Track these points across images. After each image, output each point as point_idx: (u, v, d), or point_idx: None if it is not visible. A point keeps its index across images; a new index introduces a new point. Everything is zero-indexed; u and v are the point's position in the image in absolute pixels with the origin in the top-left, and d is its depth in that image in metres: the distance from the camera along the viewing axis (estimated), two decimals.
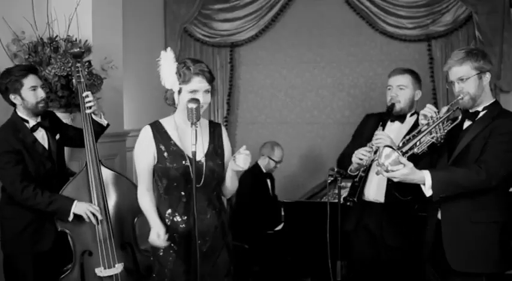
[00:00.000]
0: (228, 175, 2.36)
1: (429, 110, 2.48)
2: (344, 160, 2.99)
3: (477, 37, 4.69)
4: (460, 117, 2.50)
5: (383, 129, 2.83)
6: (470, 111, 2.48)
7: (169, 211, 2.33)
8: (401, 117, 2.91)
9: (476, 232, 2.37)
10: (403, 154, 2.37)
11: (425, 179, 2.30)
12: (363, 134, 2.99)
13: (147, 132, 2.33)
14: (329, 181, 3.59)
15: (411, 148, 2.45)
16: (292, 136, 5.56)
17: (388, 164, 2.27)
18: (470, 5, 4.72)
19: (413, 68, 4.99)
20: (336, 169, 2.92)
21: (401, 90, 2.89)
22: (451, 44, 4.87)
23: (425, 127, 2.46)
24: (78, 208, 2.77)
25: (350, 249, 3.01)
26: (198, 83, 2.26)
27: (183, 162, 2.27)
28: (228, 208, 4.24)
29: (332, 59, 5.38)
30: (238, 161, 2.20)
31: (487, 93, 2.46)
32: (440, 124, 2.46)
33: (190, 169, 2.22)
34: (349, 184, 4.07)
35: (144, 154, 2.33)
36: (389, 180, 2.64)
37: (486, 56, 2.45)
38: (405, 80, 2.90)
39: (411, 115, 2.94)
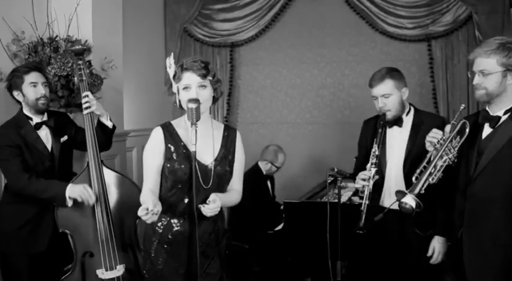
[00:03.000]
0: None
1: (434, 134, 2.35)
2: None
3: (477, 37, 4.68)
4: (467, 130, 2.31)
5: (383, 139, 2.75)
6: (492, 114, 2.30)
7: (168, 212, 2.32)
8: (398, 121, 2.83)
9: (498, 252, 2.22)
10: (419, 195, 2.28)
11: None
12: (366, 144, 2.93)
13: (157, 133, 2.31)
14: (329, 181, 3.59)
15: (425, 181, 2.31)
16: (292, 136, 5.56)
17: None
18: (470, 5, 4.72)
19: (413, 68, 5.09)
20: (336, 169, 2.89)
21: (387, 99, 2.78)
22: (451, 44, 4.88)
23: (435, 153, 2.33)
24: (72, 190, 2.75)
25: (357, 249, 2.94)
26: (188, 78, 2.23)
27: (191, 165, 2.22)
28: (228, 210, 4.23)
29: (332, 59, 5.38)
30: (203, 210, 2.15)
31: (509, 94, 2.24)
32: (449, 144, 2.31)
33: (198, 171, 2.20)
34: (349, 184, 4.12)
35: (153, 154, 2.29)
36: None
37: None
38: (387, 87, 2.77)
39: (407, 114, 2.86)
